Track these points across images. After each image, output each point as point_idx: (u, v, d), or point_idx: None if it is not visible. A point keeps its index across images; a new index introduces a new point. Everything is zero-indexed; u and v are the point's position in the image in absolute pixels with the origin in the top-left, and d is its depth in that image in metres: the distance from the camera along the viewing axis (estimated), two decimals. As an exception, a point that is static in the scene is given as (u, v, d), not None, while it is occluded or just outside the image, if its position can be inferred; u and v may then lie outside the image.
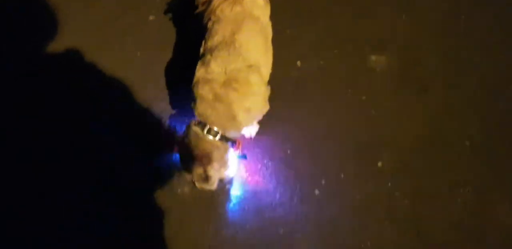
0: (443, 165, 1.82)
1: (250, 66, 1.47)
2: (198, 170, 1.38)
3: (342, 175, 1.79)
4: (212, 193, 1.72)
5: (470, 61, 2.10)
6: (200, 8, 1.64)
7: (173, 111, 1.92)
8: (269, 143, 1.85)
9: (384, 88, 2.04)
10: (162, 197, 1.71)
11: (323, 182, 1.76)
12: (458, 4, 2.24)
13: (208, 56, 1.52)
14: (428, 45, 2.16)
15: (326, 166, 1.81)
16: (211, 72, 1.47)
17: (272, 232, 1.65)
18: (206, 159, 1.37)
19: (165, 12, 2.22)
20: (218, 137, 1.42)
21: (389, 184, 1.77)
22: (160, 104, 1.95)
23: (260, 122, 1.84)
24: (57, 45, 2.12)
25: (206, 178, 1.38)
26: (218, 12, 1.54)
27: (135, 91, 2.00)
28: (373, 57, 2.13)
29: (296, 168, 1.80)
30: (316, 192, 1.74)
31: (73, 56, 2.09)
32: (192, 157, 1.38)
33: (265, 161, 1.81)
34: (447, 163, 1.82)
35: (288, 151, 1.83)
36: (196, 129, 1.43)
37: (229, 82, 1.44)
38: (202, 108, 1.47)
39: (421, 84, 2.05)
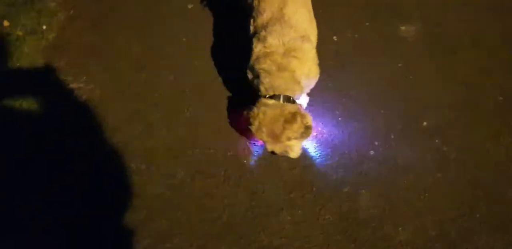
0: (482, 119, 1.97)
1: (302, 36, 1.62)
2: (298, 128, 1.53)
3: (392, 136, 1.93)
4: (276, 162, 1.86)
5: (492, 22, 2.24)
6: (244, -10, 1.76)
7: (229, 93, 2.04)
8: (321, 112, 1.99)
9: (417, 54, 2.18)
10: (234, 168, 1.85)
11: (376, 143, 1.91)
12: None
13: (263, 32, 1.66)
14: (451, 11, 2.29)
15: (376, 129, 1.95)
16: (269, 46, 1.62)
17: (337, 190, 1.80)
18: (299, 116, 1.52)
19: (202, 1, 2.34)
20: (291, 101, 1.56)
21: (436, 140, 1.92)
22: (213, 87, 2.08)
23: (309, 94, 1.97)
24: (98, 35, 2.25)
25: (308, 129, 1.53)
26: (263, -11, 1.67)
27: (185, 75, 2.13)
28: (403, 27, 2.26)
29: (349, 132, 1.94)
30: (371, 152, 1.89)
31: (117, 44, 2.22)
32: (284, 125, 1.52)
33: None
34: (486, 116, 1.98)
35: (339, 118, 1.98)
36: (272, 102, 1.56)
37: (288, 52, 1.59)
38: (269, 81, 1.61)
39: (450, 47, 2.19)
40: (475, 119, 1.98)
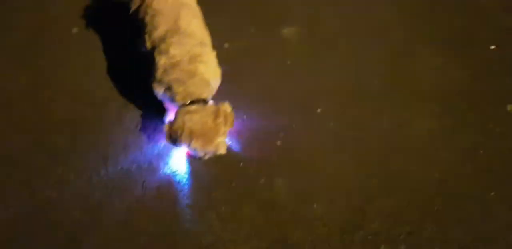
0: (365, 101, 2.36)
1: (200, 42, 1.82)
2: (225, 119, 1.73)
3: (294, 125, 2.22)
4: (193, 166, 2.02)
5: (361, 16, 2.70)
6: (134, 7, 1.93)
7: (132, 110, 2.17)
8: (226, 114, 2.20)
9: (302, 52, 2.54)
10: (151, 180, 1.96)
11: (281, 134, 2.18)
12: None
13: (163, 45, 1.82)
14: (324, 10, 2.71)
15: (279, 122, 2.23)
16: (173, 57, 1.79)
17: (254, 182, 2.02)
18: (221, 109, 1.75)
19: (87, 24, 2.44)
20: (207, 103, 1.78)
21: (331, 123, 2.25)
22: (112, 106, 2.18)
23: (213, 98, 2.18)
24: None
25: (231, 116, 1.79)
26: (154, 5, 1.87)
27: (83, 98, 2.19)
28: (285, 30, 2.62)
29: (256, 128, 2.18)
30: (278, 143, 2.15)
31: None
32: (215, 122, 1.70)
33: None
34: (368, 98, 2.37)
35: (244, 116, 2.21)
36: (194, 107, 1.73)
37: (194, 58, 1.77)
38: (183, 89, 1.76)
39: (330, 42, 2.59)
40: (360, 102, 2.37)
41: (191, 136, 1.71)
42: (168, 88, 1.83)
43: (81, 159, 2.00)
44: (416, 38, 2.66)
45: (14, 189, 1.88)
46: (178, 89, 1.79)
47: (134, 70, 2.25)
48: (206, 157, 1.84)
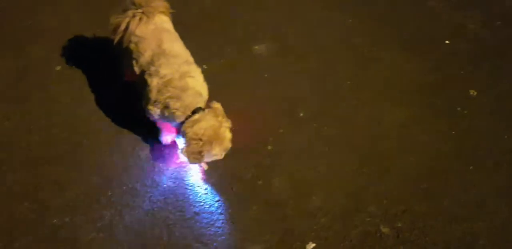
0: (339, 101, 2.77)
1: (186, 61, 2.19)
2: (223, 115, 2.08)
3: (281, 130, 2.58)
4: (194, 175, 2.35)
5: (325, 26, 3.18)
6: (118, 37, 2.30)
7: (126, 133, 2.48)
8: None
9: (275, 65, 2.96)
10: (156, 195, 2.25)
11: (270, 139, 2.53)
12: None
13: (152, 68, 2.16)
14: (291, 27, 3.19)
15: (266, 128, 2.59)
16: (164, 76, 2.11)
17: (253, 185, 2.33)
18: (216, 108, 2.08)
19: (68, 61, 2.79)
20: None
21: (314, 124, 2.63)
22: (109, 132, 2.49)
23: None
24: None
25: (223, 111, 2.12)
26: (137, 32, 2.24)
27: (77, 127, 2.49)
28: (256, 47, 3.05)
29: (246, 136, 2.51)
30: (269, 147, 2.49)
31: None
32: (220, 121, 2.02)
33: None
34: (342, 99, 2.79)
35: (236, 127, 2.54)
36: (197, 116, 2.03)
37: (183, 75, 2.12)
38: (181, 104, 2.06)
39: (298, 55, 3.03)
40: (336, 102, 2.78)
41: (211, 143, 2.01)
42: (165, 107, 2.12)
43: (85, 184, 2.26)
44: (378, 42, 3.16)
45: (24, 218, 2.12)
46: (176, 105, 2.08)
47: (121, 98, 2.60)
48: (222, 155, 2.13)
